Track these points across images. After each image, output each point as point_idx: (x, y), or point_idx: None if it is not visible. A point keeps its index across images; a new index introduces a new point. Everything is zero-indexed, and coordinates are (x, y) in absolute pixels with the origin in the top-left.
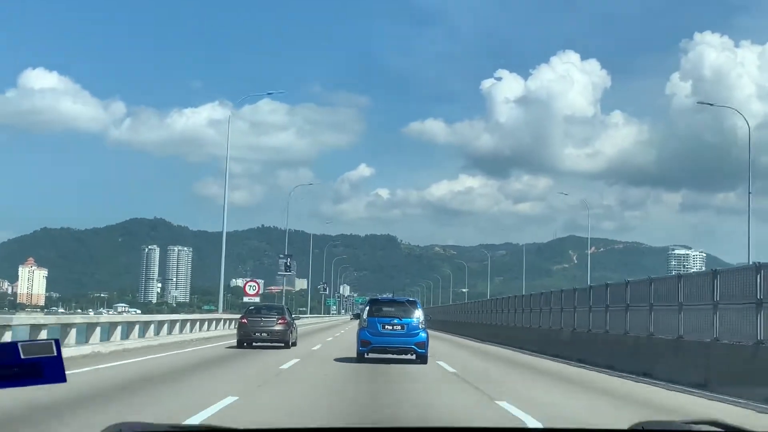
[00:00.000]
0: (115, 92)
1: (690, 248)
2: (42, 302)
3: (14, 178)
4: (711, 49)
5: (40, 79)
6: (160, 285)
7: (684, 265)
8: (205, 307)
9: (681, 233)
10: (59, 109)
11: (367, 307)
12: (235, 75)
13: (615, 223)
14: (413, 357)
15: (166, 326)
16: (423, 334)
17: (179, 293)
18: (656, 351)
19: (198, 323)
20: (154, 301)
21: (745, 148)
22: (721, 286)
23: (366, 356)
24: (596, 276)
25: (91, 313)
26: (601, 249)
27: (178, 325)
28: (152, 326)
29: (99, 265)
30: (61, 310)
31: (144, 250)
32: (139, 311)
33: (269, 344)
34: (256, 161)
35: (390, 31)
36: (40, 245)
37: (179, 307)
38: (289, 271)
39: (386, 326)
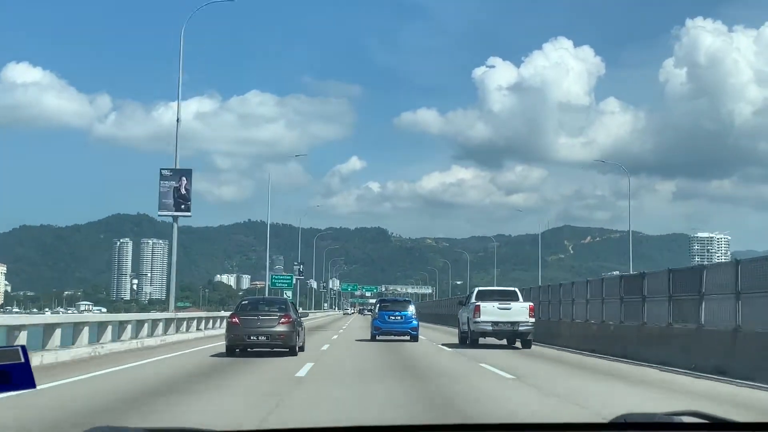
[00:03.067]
0: (101, 87)
1: (715, 231)
2: (0, 300)
3: None
4: (705, 36)
5: (23, 73)
6: (136, 281)
7: (708, 250)
8: (179, 304)
9: (676, 221)
10: (43, 103)
11: (378, 304)
12: (223, 66)
13: (609, 213)
14: (407, 338)
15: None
16: (415, 322)
17: (154, 290)
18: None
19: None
20: (128, 298)
21: (741, 136)
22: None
23: (377, 337)
24: (594, 266)
25: (47, 313)
26: (597, 238)
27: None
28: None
29: (80, 262)
30: (16, 310)
31: (116, 243)
32: (104, 310)
33: (269, 350)
34: (245, 155)
35: (377, 24)
36: (19, 243)
37: (150, 306)
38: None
39: (390, 317)
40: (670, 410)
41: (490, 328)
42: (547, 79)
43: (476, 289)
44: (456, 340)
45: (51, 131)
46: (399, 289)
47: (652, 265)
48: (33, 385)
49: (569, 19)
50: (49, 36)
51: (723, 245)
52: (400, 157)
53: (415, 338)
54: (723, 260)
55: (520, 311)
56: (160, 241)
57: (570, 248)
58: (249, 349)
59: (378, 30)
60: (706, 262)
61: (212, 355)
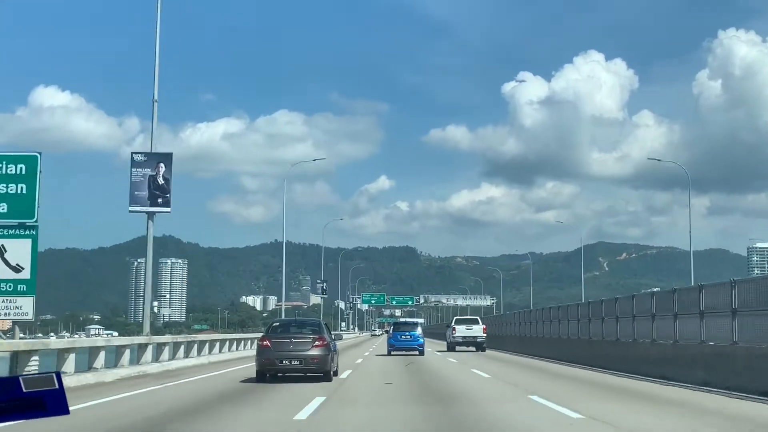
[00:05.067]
0: (129, 109)
1: None
2: (6, 326)
3: None
4: (739, 46)
5: (51, 97)
6: (156, 303)
7: None
8: (195, 327)
9: (713, 236)
10: (71, 126)
11: (392, 327)
12: (251, 86)
13: (643, 229)
14: (416, 353)
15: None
16: (421, 340)
17: (173, 311)
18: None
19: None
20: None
21: None
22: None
23: (392, 353)
24: (632, 283)
25: (49, 338)
26: (633, 255)
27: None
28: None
29: (105, 285)
30: (21, 335)
31: (133, 264)
32: (116, 333)
33: (301, 375)
34: (272, 175)
35: (403, 43)
36: (44, 267)
37: (165, 329)
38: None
39: (402, 336)
40: None
41: (461, 340)
42: (579, 93)
43: (455, 318)
44: (445, 348)
45: (78, 154)
46: (444, 301)
47: (690, 282)
48: (67, 411)
49: (597, 34)
50: (77, 60)
51: None
52: (428, 176)
53: (422, 353)
54: None
55: (478, 330)
56: (180, 261)
57: (605, 265)
58: (280, 374)
59: (404, 49)
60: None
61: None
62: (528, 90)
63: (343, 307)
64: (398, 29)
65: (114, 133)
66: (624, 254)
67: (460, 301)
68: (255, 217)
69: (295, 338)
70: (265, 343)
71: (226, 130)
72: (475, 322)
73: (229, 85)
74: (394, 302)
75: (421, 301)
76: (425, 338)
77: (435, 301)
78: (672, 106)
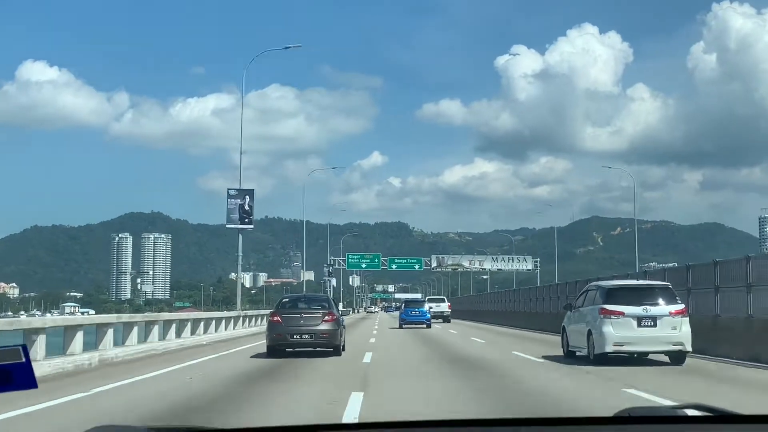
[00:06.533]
0: (118, 84)
1: None
2: None
3: (8, 176)
4: (734, 19)
5: (40, 72)
6: (140, 280)
7: None
8: (177, 304)
9: (707, 210)
10: (59, 102)
11: (404, 303)
12: (242, 60)
13: (637, 204)
14: (424, 327)
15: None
16: (428, 315)
17: (156, 288)
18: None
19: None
20: (130, 298)
21: None
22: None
23: (403, 326)
24: (627, 258)
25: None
26: (627, 229)
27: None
28: None
29: (93, 263)
30: None
31: (114, 239)
32: (92, 311)
33: (311, 349)
34: (264, 152)
35: (394, 21)
36: (30, 244)
37: (146, 306)
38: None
39: (412, 312)
40: (673, 404)
41: (432, 314)
42: (573, 66)
43: (427, 298)
44: None
45: (67, 130)
46: (466, 264)
47: (686, 256)
48: (35, 385)
49: (592, 7)
50: (67, 35)
51: None
52: (421, 151)
53: (429, 326)
54: None
55: (444, 307)
56: (163, 236)
57: (599, 240)
58: (289, 349)
59: (396, 26)
60: None
61: None
62: (522, 63)
63: (335, 285)
64: (390, 5)
65: (103, 108)
66: (618, 229)
67: (488, 264)
68: None
69: (305, 313)
70: (276, 318)
71: (216, 106)
72: (443, 300)
73: (219, 58)
74: (393, 266)
75: (433, 264)
76: None
77: (453, 265)
78: (667, 80)
